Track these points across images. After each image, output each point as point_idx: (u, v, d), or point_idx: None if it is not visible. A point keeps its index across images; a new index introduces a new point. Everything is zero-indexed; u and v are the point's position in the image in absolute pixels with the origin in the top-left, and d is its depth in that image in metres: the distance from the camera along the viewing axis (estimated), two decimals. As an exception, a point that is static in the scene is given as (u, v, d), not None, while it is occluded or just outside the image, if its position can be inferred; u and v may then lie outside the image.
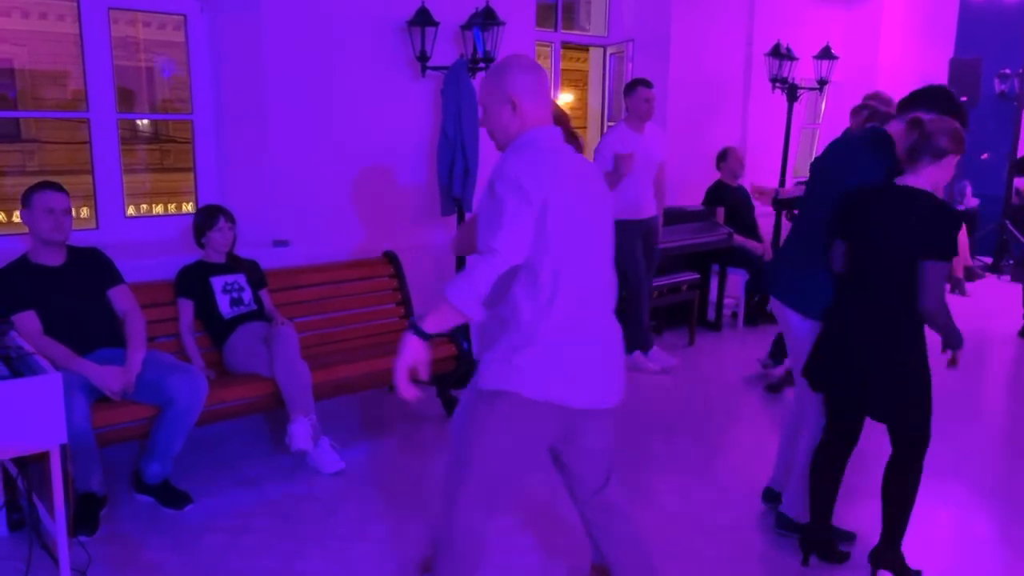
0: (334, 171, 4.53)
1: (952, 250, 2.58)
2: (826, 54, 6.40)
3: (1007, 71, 8.93)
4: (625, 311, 5.07)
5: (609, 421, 2.26)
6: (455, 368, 4.20)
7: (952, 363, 2.74)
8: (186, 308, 3.72)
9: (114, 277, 3.43)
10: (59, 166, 10.26)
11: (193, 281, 3.74)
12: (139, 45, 12.58)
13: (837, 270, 2.82)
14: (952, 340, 2.67)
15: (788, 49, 6.32)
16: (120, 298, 3.40)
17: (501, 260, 1.92)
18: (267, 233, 4.41)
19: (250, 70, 4.30)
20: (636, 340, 5.17)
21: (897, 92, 5.77)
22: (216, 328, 3.75)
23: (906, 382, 2.67)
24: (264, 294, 3.94)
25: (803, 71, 6.68)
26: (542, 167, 2.01)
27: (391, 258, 4.54)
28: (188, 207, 10.96)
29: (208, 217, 3.78)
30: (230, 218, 3.81)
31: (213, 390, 3.33)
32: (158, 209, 11.30)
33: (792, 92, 6.36)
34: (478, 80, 4.64)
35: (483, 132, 4.59)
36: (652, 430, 4.23)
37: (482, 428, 2.14)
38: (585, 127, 7.28)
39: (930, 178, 2.66)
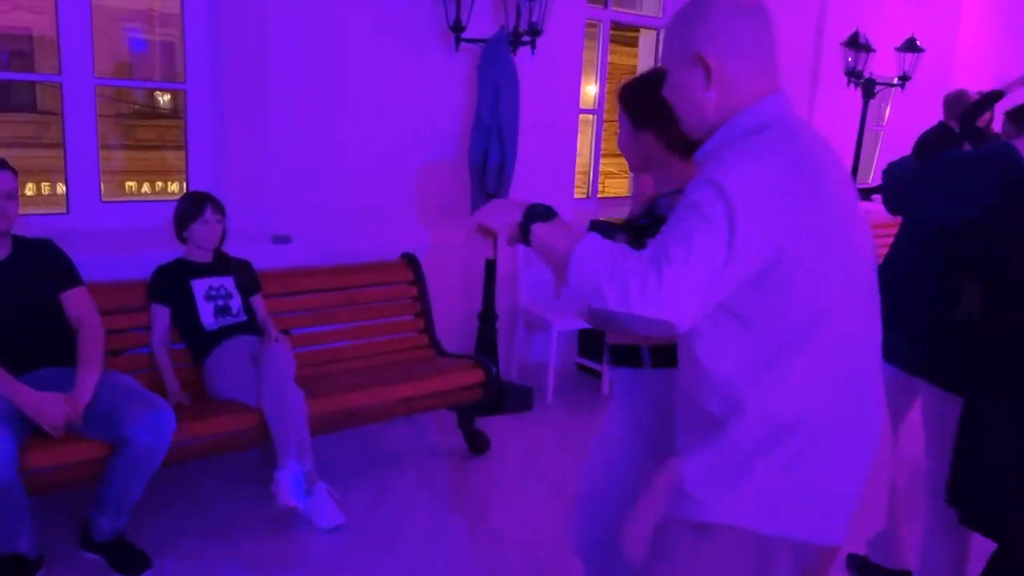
0: (347, 157, 3.86)
1: None
2: (910, 46, 5.66)
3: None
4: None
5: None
6: (482, 396, 3.53)
7: None
8: (161, 316, 3.07)
9: (68, 277, 2.77)
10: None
11: (171, 284, 3.08)
12: (155, 19, 12.06)
13: (971, 318, 2.08)
14: None
15: (866, 40, 5.59)
16: (74, 303, 2.75)
17: (656, 301, 1.20)
18: (265, 226, 3.74)
19: (253, 35, 3.63)
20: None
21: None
22: (197, 341, 3.09)
23: None
24: (257, 301, 3.28)
25: (877, 65, 5.95)
26: (775, 190, 1.25)
27: (410, 261, 3.86)
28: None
29: (193, 205, 3.12)
30: (219, 209, 3.15)
31: (185, 422, 2.67)
32: (173, 188, 10.81)
33: (869, 88, 5.62)
34: (521, 56, 3.95)
35: (524, 118, 3.98)
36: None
37: None
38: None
39: None
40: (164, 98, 12.81)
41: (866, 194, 6.08)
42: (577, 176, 5.24)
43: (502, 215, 1.48)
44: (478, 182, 3.92)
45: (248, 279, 3.26)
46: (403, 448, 3.68)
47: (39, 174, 9.50)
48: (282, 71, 3.63)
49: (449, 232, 4.23)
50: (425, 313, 3.82)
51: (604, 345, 2.09)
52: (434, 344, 3.80)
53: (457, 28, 3.84)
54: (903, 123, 6.82)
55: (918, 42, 5.70)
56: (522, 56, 3.97)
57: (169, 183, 10.76)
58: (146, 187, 10.73)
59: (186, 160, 3.85)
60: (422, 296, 3.83)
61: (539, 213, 1.42)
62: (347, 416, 3.16)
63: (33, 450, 2.42)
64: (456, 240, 4.24)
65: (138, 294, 3.13)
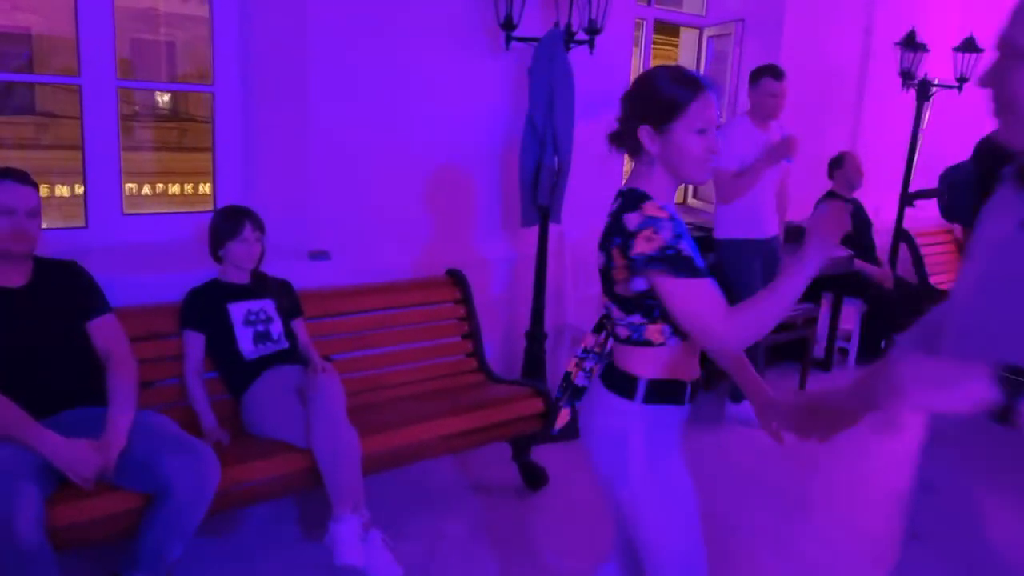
0: (388, 165, 3.57)
1: None
2: (969, 46, 5.37)
3: None
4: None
5: None
6: (542, 427, 3.24)
7: None
8: (195, 343, 2.77)
9: (96, 304, 2.48)
10: (76, 141, 9.49)
11: (206, 308, 2.79)
12: (160, 19, 11.79)
13: None
14: None
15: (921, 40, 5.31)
16: (103, 333, 2.46)
17: None
18: (301, 241, 3.45)
19: (289, 33, 3.33)
20: (746, 387, 4.19)
21: None
22: (234, 371, 2.80)
23: None
24: (298, 326, 2.99)
25: (928, 66, 5.66)
26: None
27: (457, 278, 3.57)
28: (205, 188, 10.17)
29: (230, 222, 2.83)
30: (259, 225, 2.85)
31: (226, 466, 2.37)
32: (174, 189, 10.58)
33: (924, 89, 5.34)
34: (574, 56, 3.65)
35: (580, 123, 3.69)
36: (761, 500, 3.26)
37: None
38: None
39: None
40: (163, 99, 12.52)
41: (909, 199, 5.80)
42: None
43: (946, 385, 0.96)
44: (529, 193, 3.63)
45: (289, 301, 2.97)
46: (452, 485, 3.38)
47: (39, 175, 9.25)
48: (320, 74, 3.34)
49: (494, 245, 3.94)
50: (474, 334, 3.53)
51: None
52: (484, 368, 3.50)
53: (508, 26, 3.55)
54: (942, 126, 6.53)
55: (977, 42, 5.40)
56: (576, 56, 3.67)
57: (170, 185, 10.51)
58: (147, 189, 10.49)
59: (213, 168, 3.56)
60: (470, 316, 3.54)
61: (1020, 380, 0.94)
62: (395, 456, 2.86)
63: (59, 504, 2.13)
64: (501, 254, 3.95)
65: (167, 319, 2.83)
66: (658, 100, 1.65)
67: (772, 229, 4.17)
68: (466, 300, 3.55)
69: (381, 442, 2.77)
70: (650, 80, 1.70)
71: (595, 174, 3.94)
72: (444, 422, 2.95)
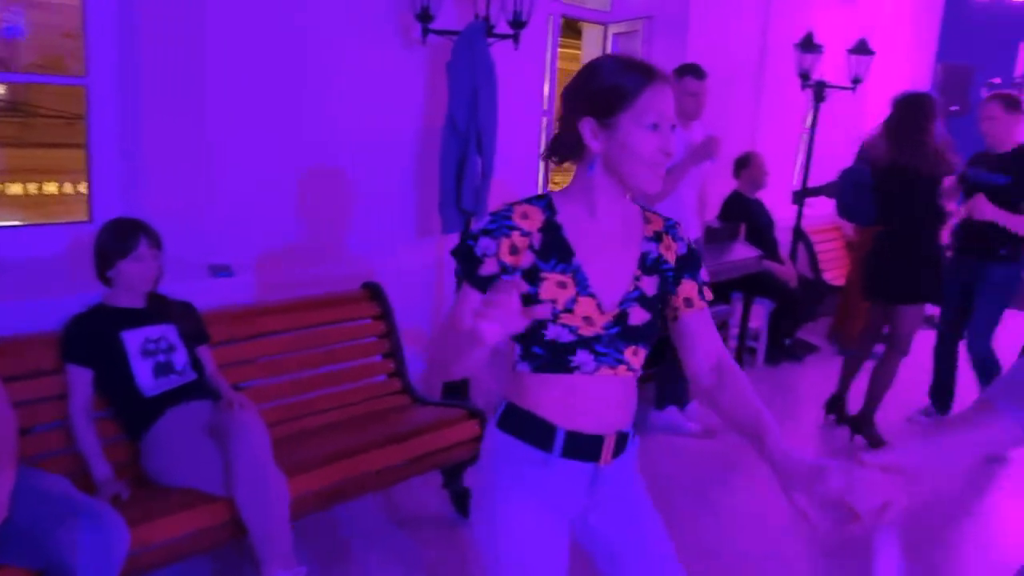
0: (295, 170, 3.24)
1: None
2: (862, 49, 5.51)
3: (997, 80, 8.35)
4: (658, 356, 3.97)
5: None
6: (477, 453, 2.99)
7: None
8: (81, 380, 2.37)
9: (-40, 342, 2.06)
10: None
11: (94, 338, 2.39)
12: (-2, 1, 10.72)
13: None
14: None
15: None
16: (-30, 377, 2.04)
17: None
18: (197, 255, 3.07)
19: (182, 22, 2.95)
20: (671, 393, 4.10)
21: (883, 96, 4.95)
22: (132, 411, 2.41)
23: None
24: (204, 353, 2.62)
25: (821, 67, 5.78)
26: None
27: (374, 292, 3.26)
28: (51, 187, 9.28)
29: (121, 239, 2.43)
30: (155, 241, 2.47)
31: (130, 528, 2.01)
32: (15, 189, 9.65)
33: (820, 90, 5.43)
34: (498, 51, 3.42)
35: (504, 119, 3.46)
36: (698, 513, 3.18)
37: None
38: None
39: None
40: None
41: (799, 196, 5.91)
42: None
43: None
44: (451, 196, 3.38)
45: (193, 325, 2.60)
46: (377, 520, 3.08)
47: None
48: (216, 68, 2.97)
49: (412, 254, 3.67)
50: (396, 353, 3.24)
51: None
52: (408, 390, 3.22)
53: (424, 18, 3.28)
54: (832, 126, 6.70)
55: (869, 44, 5.55)
56: (497, 51, 3.44)
57: (10, 184, 9.61)
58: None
59: (88, 173, 3.11)
60: (391, 333, 3.25)
61: None
62: (321, 498, 2.55)
63: (-77, 595, 1.73)
64: (421, 263, 3.68)
65: (46, 353, 2.41)
66: (602, 87, 1.41)
67: (694, 232, 4.08)
68: (386, 315, 3.25)
69: (305, 483, 2.46)
70: (594, 67, 1.46)
71: (518, 177, 3.73)
72: (373, 455, 2.67)
